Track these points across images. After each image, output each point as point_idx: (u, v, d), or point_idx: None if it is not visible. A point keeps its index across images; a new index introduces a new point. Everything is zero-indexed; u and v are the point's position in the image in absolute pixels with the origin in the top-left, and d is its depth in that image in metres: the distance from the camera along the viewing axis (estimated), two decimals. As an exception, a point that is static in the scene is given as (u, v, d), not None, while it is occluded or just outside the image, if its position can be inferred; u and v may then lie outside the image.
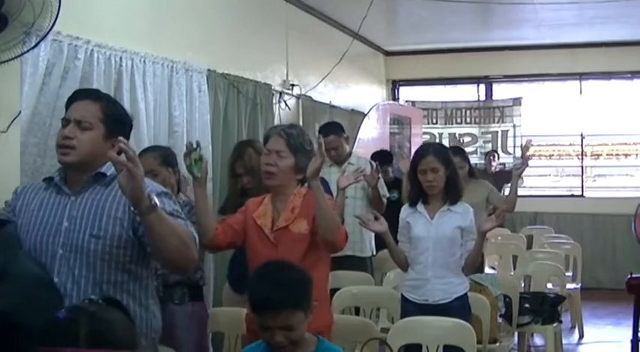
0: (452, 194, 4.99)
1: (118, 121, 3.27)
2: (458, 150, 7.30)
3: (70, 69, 4.89)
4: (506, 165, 12.04)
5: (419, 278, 4.98)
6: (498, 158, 12.07)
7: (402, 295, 5.12)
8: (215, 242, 4.24)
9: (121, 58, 5.42)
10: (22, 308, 2.22)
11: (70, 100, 3.28)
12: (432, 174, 4.91)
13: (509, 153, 12.72)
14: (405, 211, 5.12)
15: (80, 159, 3.17)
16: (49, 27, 4.22)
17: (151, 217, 2.93)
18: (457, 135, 13.20)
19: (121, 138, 2.92)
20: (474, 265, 5.03)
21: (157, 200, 2.96)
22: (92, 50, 5.09)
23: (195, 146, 4.05)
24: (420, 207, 5.02)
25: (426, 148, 5.11)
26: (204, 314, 4.81)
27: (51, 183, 3.27)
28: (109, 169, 3.18)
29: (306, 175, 4.00)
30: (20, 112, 4.54)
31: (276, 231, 4.17)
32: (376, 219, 4.94)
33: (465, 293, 5.02)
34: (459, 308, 4.91)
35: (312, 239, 4.11)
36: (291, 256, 3.93)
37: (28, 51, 4.24)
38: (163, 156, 4.66)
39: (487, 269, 7.58)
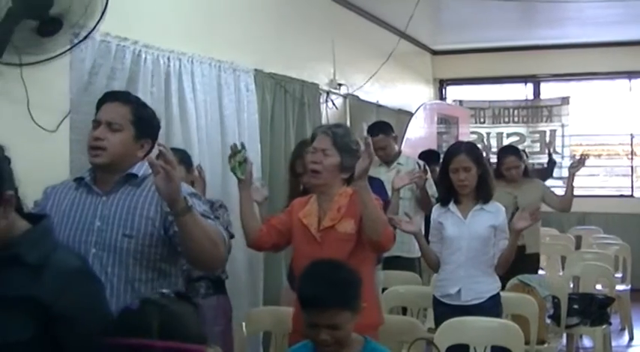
0: (484, 193, 4.97)
1: (147, 123, 3.33)
2: (512, 150, 7.29)
3: (118, 70, 4.92)
4: (544, 165, 11.90)
5: (451, 278, 4.98)
6: (527, 157, 11.97)
7: (434, 296, 5.12)
8: (259, 243, 4.30)
9: (168, 59, 5.44)
10: (62, 298, 2.26)
11: (101, 102, 3.35)
12: (464, 173, 4.90)
13: (558, 153, 12.58)
14: (436, 211, 5.12)
15: (111, 160, 3.23)
16: (94, 26, 4.24)
17: (186, 218, 2.99)
18: (505, 134, 13.11)
19: (160, 141, 3.03)
20: (507, 264, 4.98)
21: (191, 201, 3.03)
22: (140, 51, 5.12)
23: (239, 148, 4.09)
24: (452, 206, 5.01)
25: (458, 147, 5.11)
26: (229, 307, 4.94)
27: (81, 183, 3.33)
28: (139, 170, 3.26)
29: (354, 175, 3.96)
30: (70, 112, 4.58)
31: (322, 231, 4.17)
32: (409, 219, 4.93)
33: (498, 293, 5.01)
34: (491, 308, 4.90)
35: (359, 239, 4.09)
36: (336, 255, 3.91)
37: (70, 49, 4.28)
38: (180, 157, 4.67)
39: (540, 272, 7.52)
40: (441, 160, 5.22)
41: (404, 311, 5.82)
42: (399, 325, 4.61)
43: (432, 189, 6.85)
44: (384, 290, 5.64)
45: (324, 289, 3.04)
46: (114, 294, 3.06)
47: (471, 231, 4.90)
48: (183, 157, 4.76)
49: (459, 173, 4.90)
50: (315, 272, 3.18)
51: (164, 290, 2.27)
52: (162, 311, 2.09)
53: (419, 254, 6.86)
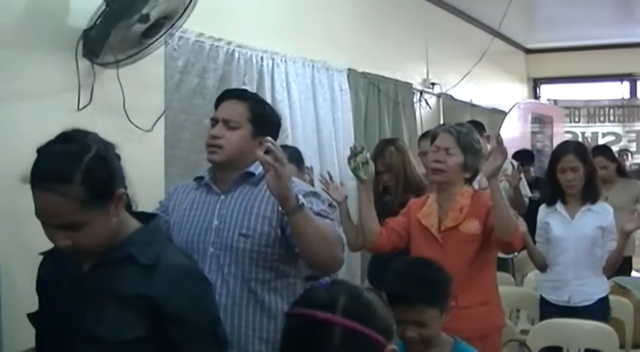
0: (591, 193, 4.88)
1: (265, 120, 3.27)
2: (603, 150, 7.16)
3: (210, 69, 4.99)
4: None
5: (559, 280, 4.89)
6: (631, 157, 11.74)
7: (541, 296, 5.05)
8: (378, 246, 4.21)
9: (262, 58, 5.49)
10: (175, 298, 2.29)
11: (219, 100, 3.32)
12: (572, 174, 4.82)
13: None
14: (542, 211, 5.05)
15: (228, 158, 3.20)
16: (180, 24, 4.26)
17: (298, 217, 2.93)
18: (600, 134, 12.90)
19: (268, 137, 2.93)
20: (615, 266, 4.89)
21: (304, 200, 2.96)
22: (233, 50, 5.18)
23: (360, 149, 4.04)
24: (559, 206, 4.93)
25: (566, 147, 5.02)
26: None
27: (201, 183, 3.33)
28: (257, 168, 3.19)
29: (486, 174, 3.87)
30: (165, 111, 4.66)
31: (443, 231, 4.07)
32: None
33: (606, 295, 4.90)
34: (599, 310, 4.80)
35: (484, 240, 3.99)
36: (460, 257, 3.93)
37: (149, 45, 4.25)
38: (289, 155, 4.67)
39: (633, 273, 7.39)
40: (548, 160, 5.12)
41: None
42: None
43: (525, 190, 6.79)
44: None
45: (411, 285, 3.01)
46: (229, 295, 3.05)
47: (579, 231, 4.82)
48: (294, 154, 4.69)
49: (567, 173, 4.83)
50: (403, 268, 3.16)
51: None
52: (351, 291, 2.01)
53: (512, 254, 6.85)
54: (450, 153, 4.07)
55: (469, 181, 4.17)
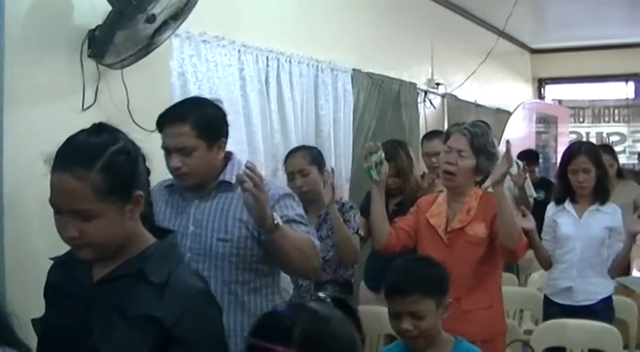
0: (601, 194, 4.89)
1: (211, 128, 3.23)
2: (607, 149, 7.14)
3: (215, 69, 4.96)
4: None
5: (563, 278, 4.90)
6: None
7: (545, 296, 5.06)
8: (388, 247, 4.14)
9: (267, 58, 5.48)
10: (183, 321, 2.24)
11: (160, 123, 3.27)
12: (583, 175, 4.83)
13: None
14: (551, 209, 5.05)
15: (198, 180, 3.23)
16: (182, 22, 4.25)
17: (275, 236, 2.99)
18: (605, 134, 12.90)
19: (248, 163, 2.95)
20: (621, 267, 4.91)
21: (279, 220, 3.00)
22: (239, 50, 5.17)
23: (376, 148, 4.00)
24: (567, 205, 4.94)
25: (578, 148, 5.00)
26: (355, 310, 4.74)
27: (173, 189, 3.34)
28: (231, 174, 3.25)
29: (492, 180, 3.88)
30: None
31: (450, 232, 4.04)
32: (524, 216, 4.75)
33: (610, 296, 4.91)
34: (603, 310, 4.81)
35: (490, 244, 3.96)
36: (466, 259, 3.92)
37: (155, 45, 4.20)
38: (312, 155, 4.65)
39: (635, 273, 7.38)
40: (559, 160, 5.12)
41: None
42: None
43: (530, 190, 6.79)
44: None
45: (406, 276, 3.04)
46: None
47: (586, 231, 4.83)
48: (316, 157, 4.67)
49: (579, 174, 4.84)
50: (401, 264, 3.19)
51: (321, 295, 2.17)
52: (309, 317, 1.98)
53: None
54: (462, 156, 4.02)
55: (480, 183, 4.15)
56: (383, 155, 4.02)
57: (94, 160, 2.16)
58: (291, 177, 4.61)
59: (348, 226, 4.53)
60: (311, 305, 2.09)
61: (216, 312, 2.42)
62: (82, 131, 2.26)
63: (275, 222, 2.97)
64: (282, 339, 1.91)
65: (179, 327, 2.22)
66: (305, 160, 4.60)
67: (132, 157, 2.27)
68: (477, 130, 4.09)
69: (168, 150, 3.21)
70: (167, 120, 3.25)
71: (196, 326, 2.25)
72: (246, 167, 2.91)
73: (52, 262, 2.52)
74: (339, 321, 2.03)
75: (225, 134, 3.30)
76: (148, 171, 2.40)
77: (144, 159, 2.36)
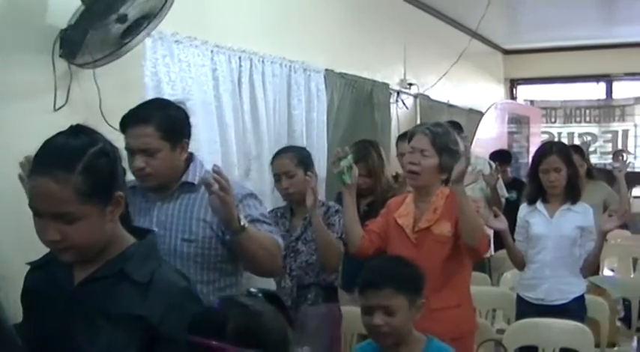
0: (572, 193, 4.91)
1: (174, 129, 3.25)
2: (577, 149, 7.17)
3: (188, 69, 4.94)
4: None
5: (536, 278, 4.93)
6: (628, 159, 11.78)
7: (518, 295, 5.08)
8: (362, 250, 4.17)
9: (240, 58, 5.47)
10: (168, 319, 2.24)
11: (123, 124, 3.27)
12: (554, 174, 4.86)
13: (630, 153, 12.40)
14: (524, 210, 5.07)
15: (161, 181, 3.25)
16: (157, 23, 4.21)
17: (240, 237, 3.04)
18: (576, 134, 12.98)
19: (215, 167, 2.98)
20: (593, 266, 4.95)
21: (245, 221, 3.04)
22: (211, 51, 5.16)
23: (344, 154, 4.03)
24: (539, 205, 4.96)
25: (549, 147, 5.04)
26: (338, 315, 4.66)
27: (136, 190, 3.31)
28: (194, 175, 3.28)
29: (451, 178, 3.90)
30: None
31: (417, 232, 4.06)
32: (496, 216, 4.81)
33: (583, 295, 4.93)
34: (576, 309, 4.83)
35: (456, 242, 3.98)
36: (433, 258, 3.92)
37: (127, 45, 4.15)
38: (300, 157, 4.62)
39: (606, 272, 7.43)
40: (531, 160, 5.14)
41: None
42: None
43: (502, 190, 6.81)
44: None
45: (380, 271, 3.09)
46: None
47: (558, 230, 4.85)
48: (303, 159, 4.64)
49: (550, 174, 4.86)
50: (374, 262, 3.27)
51: (252, 289, 2.23)
52: (241, 312, 2.06)
53: (488, 254, 6.86)
54: (425, 155, 4.05)
55: (446, 182, 4.14)
56: (352, 159, 4.05)
57: (75, 163, 2.15)
58: (277, 178, 4.59)
59: (332, 230, 4.46)
60: (242, 300, 2.17)
61: (199, 309, 2.42)
62: (60, 133, 2.25)
63: (241, 224, 3.01)
64: (216, 334, 2.01)
65: (165, 326, 2.23)
66: (292, 162, 4.57)
67: (111, 158, 2.27)
68: (439, 129, 4.13)
69: (131, 151, 3.21)
70: (131, 121, 3.25)
71: (181, 324, 2.23)
72: (213, 170, 2.94)
73: (27, 267, 2.50)
74: (270, 316, 2.12)
75: (187, 135, 3.32)
76: (124, 172, 2.40)
77: (120, 160, 2.35)
